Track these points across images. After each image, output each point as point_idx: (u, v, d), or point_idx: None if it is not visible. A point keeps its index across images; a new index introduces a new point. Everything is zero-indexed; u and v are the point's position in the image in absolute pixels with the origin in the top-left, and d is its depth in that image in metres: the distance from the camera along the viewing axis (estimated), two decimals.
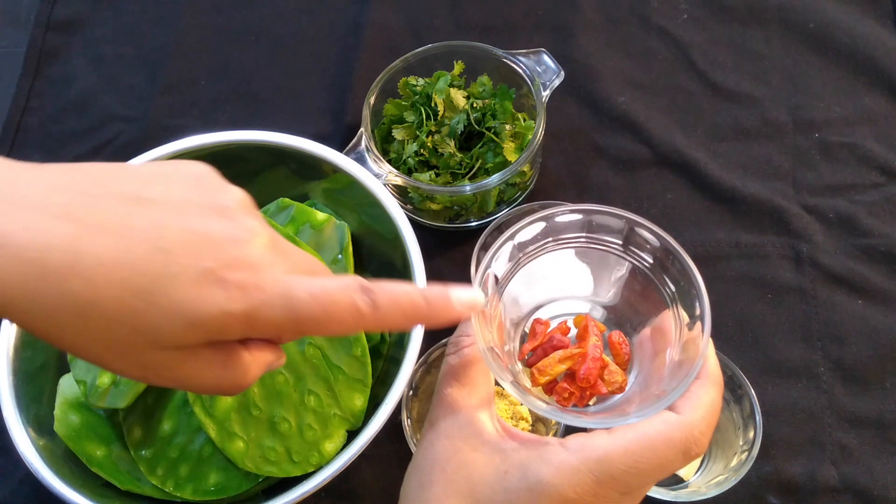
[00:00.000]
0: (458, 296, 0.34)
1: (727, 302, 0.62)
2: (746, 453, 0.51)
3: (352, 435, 0.49)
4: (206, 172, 0.34)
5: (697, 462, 0.55)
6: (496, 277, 0.39)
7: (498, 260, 0.39)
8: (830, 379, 0.58)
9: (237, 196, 0.33)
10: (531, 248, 0.40)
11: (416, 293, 0.33)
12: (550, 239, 0.40)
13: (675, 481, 0.54)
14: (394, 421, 0.47)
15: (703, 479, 0.53)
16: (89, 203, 0.29)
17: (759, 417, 0.52)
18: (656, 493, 0.50)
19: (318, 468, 0.48)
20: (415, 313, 0.33)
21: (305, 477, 0.47)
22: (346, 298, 0.32)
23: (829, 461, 0.56)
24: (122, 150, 0.70)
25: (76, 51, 0.76)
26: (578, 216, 0.40)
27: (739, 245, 0.64)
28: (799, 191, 0.66)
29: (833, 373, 0.59)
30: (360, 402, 0.50)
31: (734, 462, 0.52)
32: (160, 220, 0.30)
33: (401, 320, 0.33)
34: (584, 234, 0.40)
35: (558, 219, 0.40)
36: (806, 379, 0.58)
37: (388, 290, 0.32)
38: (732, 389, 0.54)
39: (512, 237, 0.39)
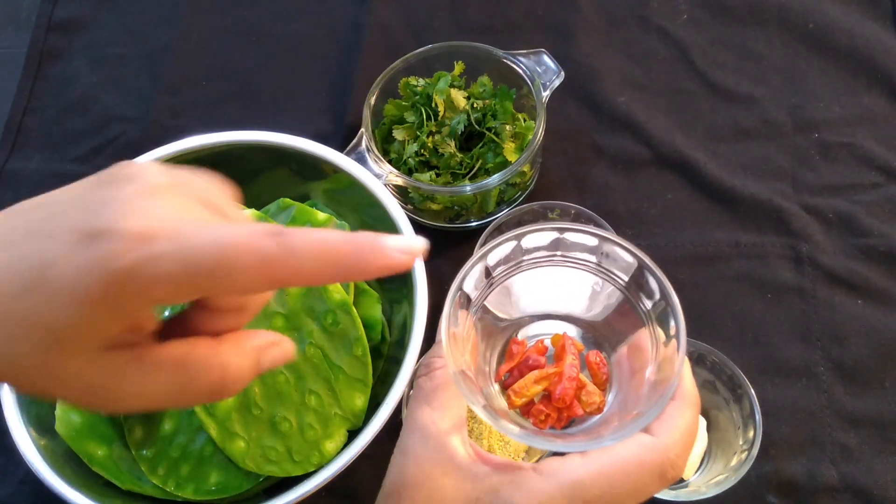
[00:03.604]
0: (393, 241, 0.29)
1: (727, 302, 0.62)
2: (746, 453, 0.51)
3: (352, 434, 0.49)
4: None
5: (697, 462, 0.55)
6: (468, 298, 0.37)
7: (469, 280, 0.37)
8: (830, 379, 0.58)
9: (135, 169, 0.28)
10: (504, 267, 0.39)
11: (339, 235, 0.28)
12: (524, 258, 0.39)
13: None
14: (394, 421, 0.47)
15: (703, 478, 0.54)
16: None
17: (758, 417, 0.52)
18: None
19: (319, 468, 0.48)
20: (337, 257, 0.28)
21: (306, 476, 0.47)
22: (249, 241, 0.26)
23: (829, 461, 0.56)
24: (123, 151, 0.70)
25: (77, 51, 0.76)
26: (551, 234, 0.39)
27: (739, 245, 0.64)
28: (798, 191, 0.66)
29: (833, 373, 0.59)
30: (360, 401, 0.50)
31: (734, 462, 0.52)
32: (43, 223, 0.27)
33: (321, 267, 0.27)
34: (558, 253, 0.39)
35: (530, 237, 0.39)
36: (806, 379, 0.59)
37: (304, 232, 0.27)
38: (732, 389, 0.54)
39: (483, 257, 0.38)
